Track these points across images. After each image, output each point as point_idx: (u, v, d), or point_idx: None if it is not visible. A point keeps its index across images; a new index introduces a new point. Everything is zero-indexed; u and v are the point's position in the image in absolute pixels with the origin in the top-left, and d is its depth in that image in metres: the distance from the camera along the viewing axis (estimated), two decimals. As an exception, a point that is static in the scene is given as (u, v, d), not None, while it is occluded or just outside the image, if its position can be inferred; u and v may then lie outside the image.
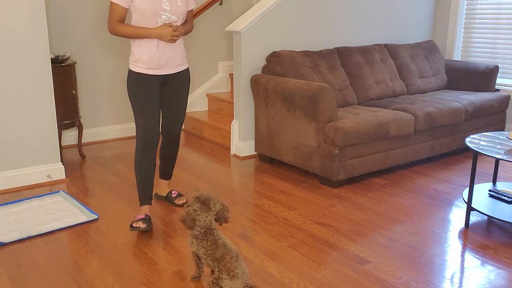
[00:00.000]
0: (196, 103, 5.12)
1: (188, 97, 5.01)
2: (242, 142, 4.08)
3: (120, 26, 2.56)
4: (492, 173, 3.69)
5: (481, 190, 3.01)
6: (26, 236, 2.61)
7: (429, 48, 4.79)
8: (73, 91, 3.81)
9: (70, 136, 4.44)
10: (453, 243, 2.59)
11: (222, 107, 4.94)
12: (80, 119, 4.00)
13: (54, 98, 3.45)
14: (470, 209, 2.76)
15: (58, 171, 3.50)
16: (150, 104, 2.64)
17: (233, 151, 4.19)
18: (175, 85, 2.77)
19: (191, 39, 4.93)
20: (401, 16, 4.84)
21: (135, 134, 3.93)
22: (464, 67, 4.66)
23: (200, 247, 2.05)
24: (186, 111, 2.84)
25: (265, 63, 3.97)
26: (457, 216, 2.93)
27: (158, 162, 3.45)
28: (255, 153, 4.13)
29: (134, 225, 2.64)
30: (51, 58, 3.63)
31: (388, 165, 3.61)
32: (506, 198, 2.85)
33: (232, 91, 5.18)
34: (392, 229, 2.75)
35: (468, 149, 4.33)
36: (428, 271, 2.30)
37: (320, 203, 3.11)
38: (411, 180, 3.54)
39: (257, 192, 3.32)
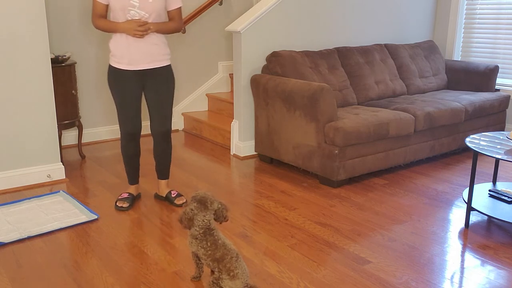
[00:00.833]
0: (196, 103, 5.12)
1: (188, 97, 5.06)
2: (242, 142, 4.08)
3: (98, 20, 2.76)
4: (492, 173, 3.69)
5: (481, 190, 3.01)
6: (26, 236, 2.61)
7: (429, 48, 4.79)
8: (73, 91, 3.81)
9: (70, 136, 4.44)
10: (453, 243, 2.59)
11: (222, 107, 4.94)
12: (80, 119, 4.00)
13: (54, 98, 3.46)
14: (470, 209, 2.76)
15: (58, 171, 3.50)
16: (127, 98, 2.82)
17: (233, 151, 4.19)
18: (155, 82, 2.85)
19: (191, 39, 4.93)
20: (401, 16, 4.84)
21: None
22: (464, 67, 4.66)
23: (199, 247, 2.05)
24: (171, 108, 2.90)
25: (265, 63, 3.97)
26: (457, 216, 2.93)
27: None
28: (255, 153, 4.13)
29: (118, 204, 3.00)
30: (51, 58, 3.64)
31: (388, 165, 3.61)
32: (506, 198, 2.84)
33: (232, 91, 5.18)
34: (392, 229, 2.75)
35: (468, 149, 4.33)
36: (428, 271, 2.30)
37: (320, 203, 3.11)
38: (411, 180, 3.54)
39: (257, 192, 3.32)
